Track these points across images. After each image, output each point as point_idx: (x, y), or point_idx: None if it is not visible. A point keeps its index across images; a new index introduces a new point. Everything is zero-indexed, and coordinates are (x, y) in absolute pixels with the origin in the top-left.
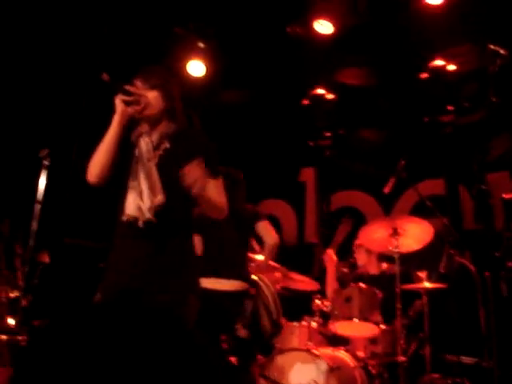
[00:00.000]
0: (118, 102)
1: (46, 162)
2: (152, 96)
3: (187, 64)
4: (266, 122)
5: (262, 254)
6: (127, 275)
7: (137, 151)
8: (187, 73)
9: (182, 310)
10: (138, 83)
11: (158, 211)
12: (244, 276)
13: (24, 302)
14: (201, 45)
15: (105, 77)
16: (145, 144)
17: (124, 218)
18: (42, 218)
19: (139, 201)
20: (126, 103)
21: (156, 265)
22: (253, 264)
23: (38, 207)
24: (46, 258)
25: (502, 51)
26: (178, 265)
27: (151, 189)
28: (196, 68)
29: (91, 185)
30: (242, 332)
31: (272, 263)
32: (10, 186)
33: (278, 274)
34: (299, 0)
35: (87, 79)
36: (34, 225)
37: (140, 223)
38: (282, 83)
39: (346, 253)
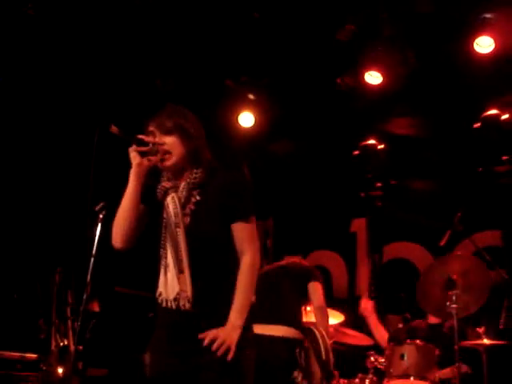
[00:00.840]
0: (133, 154)
1: (101, 215)
2: (170, 142)
3: (238, 115)
4: (317, 173)
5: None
6: (173, 345)
7: (165, 213)
8: (238, 124)
9: (240, 365)
10: (153, 129)
11: (187, 302)
12: (297, 324)
13: (74, 352)
14: (251, 97)
15: (113, 129)
16: (172, 205)
17: (156, 295)
18: (95, 267)
19: (165, 276)
20: (142, 154)
21: (201, 329)
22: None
23: (92, 261)
24: (95, 307)
25: None
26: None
27: (178, 267)
28: (246, 119)
29: (117, 249)
30: (301, 381)
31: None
32: (63, 235)
33: (330, 329)
34: (349, 52)
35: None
36: (88, 278)
37: (168, 304)
38: (333, 134)
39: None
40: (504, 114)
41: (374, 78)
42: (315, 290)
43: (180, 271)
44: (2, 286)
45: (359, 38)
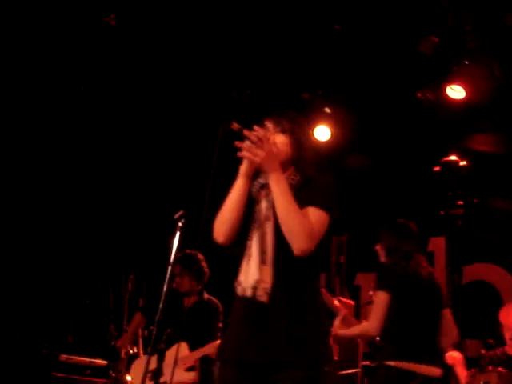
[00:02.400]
0: (245, 151)
1: (180, 224)
2: (280, 141)
3: (314, 129)
4: (395, 189)
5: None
6: (247, 347)
7: (257, 207)
8: (314, 137)
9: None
10: (269, 125)
11: (265, 294)
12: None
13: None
14: (327, 110)
15: (235, 126)
16: (265, 201)
17: (236, 284)
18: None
19: (247, 266)
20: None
21: (279, 337)
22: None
23: (169, 269)
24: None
25: None
26: (306, 334)
27: (261, 259)
28: (322, 133)
29: (219, 244)
30: None
31: None
32: (137, 242)
33: None
34: (431, 64)
35: (218, 139)
36: (165, 287)
37: (246, 292)
38: (412, 149)
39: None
40: None
41: (456, 92)
42: (450, 320)
43: (262, 262)
44: (75, 291)
45: (442, 50)
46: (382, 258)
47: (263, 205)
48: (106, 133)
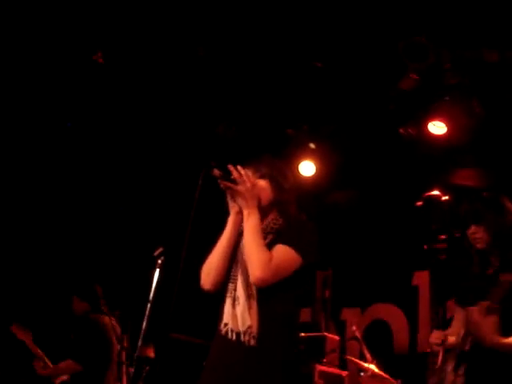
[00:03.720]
0: (232, 203)
1: (159, 261)
2: (261, 185)
3: (298, 164)
4: (379, 224)
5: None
6: (220, 381)
7: (238, 250)
8: (298, 173)
9: None
10: (249, 172)
11: (252, 338)
12: None
13: None
14: (312, 145)
15: (216, 172)
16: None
17: (221, 326)
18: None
19: (233, 309)
20: (227, 182)
21: (252, 374)
22: (363, 374)
23: (148, 306)
24: (150, 353)
25: None
26: (278, 375)
27: (247, 301)
28: (306, 168)
29: (205, 292)
30: None
31: (382, 374)
32: (122, 280)
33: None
34: (412, 101)
35: (200, 177)
36: (144, 325)
37: (233, 335)
38: (395, 184)
39: None
40: None
41: (437, 128)
42: None
43: (250, 307)
44: (60, 326)
45: (423, 87)
46: None
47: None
48: (90, 170)
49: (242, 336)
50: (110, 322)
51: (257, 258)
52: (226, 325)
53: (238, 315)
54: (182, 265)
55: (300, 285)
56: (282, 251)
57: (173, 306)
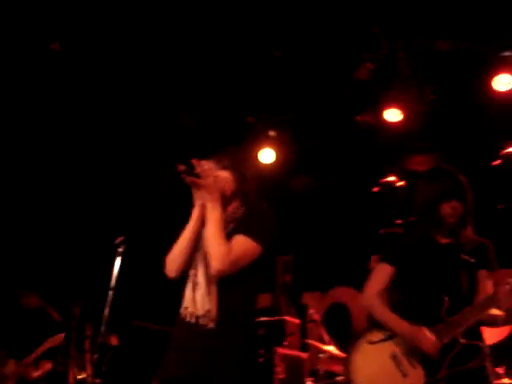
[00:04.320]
0: (197, 195)
1: (120, 250)
2: (223, 176)
3: (258, 152)
4: (337, 210)
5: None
6: (181, 365)
7: (200, 240)
8: (258, 160)
9: None
10: (211, 164)
11: (212, 321)
12: None
13: None
14: (272, 133)
15: (180, 168)
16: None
17: (181, 310)
18: (114, 301)
19: (193, 293)
20: (191, 177)
21: (210, 356)
22: (321, 355)
23: (110, 294)
24: (114, 341)
25: None
26: (235, 357)
27: (207, 286)
28: (267, 156)
29: (169, 278)
30: None
31: (341, 355)
32: (84, 269)
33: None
34: (368, 90)
35: (167, 173)
36: (106, 311)
37: (193, 319)
38: (353, 171)
39: None
40: None
41: (393, 115)
42: None
43: (209, 292)
44: (22, 318)
45: (378, 76)
46: None
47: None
48: (51, 161)
49: (201, 319)
50: None
51: (217, 251)
52: (186, 308)
53: (197, 299)
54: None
55: (259, 272)
56: (242, 242)
57: (136, 294)
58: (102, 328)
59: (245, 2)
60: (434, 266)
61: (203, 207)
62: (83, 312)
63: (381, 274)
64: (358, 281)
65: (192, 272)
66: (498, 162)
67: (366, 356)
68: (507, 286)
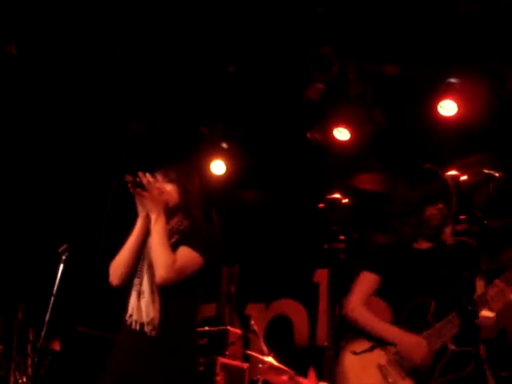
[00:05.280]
0: (141, 207)
1: (63, 257)
2: (169, 189)
3: (210, 163)
4: (283, 223)
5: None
6: (123, 372)
7: (145, 248)
8: (209, 171)
9: None
10: (159, 176)
11: (154, 329)
12: None
13: None
14: (224, 145)
15: (128, 178)
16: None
17: (126, 317)
18: (57, 306)
19: (138, 301)
20: (137, 189)
21: (152, 363)
22: (261, 365)
23: (52, 299)
24: (56, 346)
25: (496, 174)
26: (176, 364)
27: (151, 295)
28: (218, 167)
29: (113, 287)
30: None
31: (280, 366)
32: (28, 272)
33: (284, 377)
34: (319, 108)
35: (114, 182)
36: (47, 316)
37: (137, 326)
38: (300, 185)
39: None
40: (463, 175)
41: (342, 134)
42: None
43: (153, 301)
44: None
45: (328, 95)
46: None
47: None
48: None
49: (145, 327)
50: None
51: (163, 260)
52: (130, 316)
53: (142, 307)
54: (98, 263)
55: (201, 283)
56: (186, 253)
57: (80, 300)
58: (42, 332)
59: (203, 15)
60: (418, 270)
61: (147, 218)
62: (26, 316)
63: (365, 282)
64: (302, 294)
65: (137, 280)
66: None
67: (351, 368)
68: (495, 288)
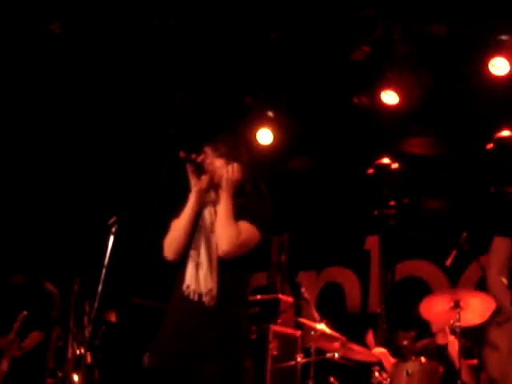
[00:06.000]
0: (194, 181)
1: (113, 229)
2: (219, 164)
3: (256, 132)
4: (333, 190)
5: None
6: (181, 341)
7: (201, 221)
8: (256, 141)
9: (239, 374)
10: (208, 151)
11: (213, 299)
12: None
13: (89, 360)
14: (270, 114)
15: (181, 154)
16: (209, 215)
17: (183, 287)
18: (111, 279)
19: (196, 273)
20: (196, 171)
21: (209, 331)
22: (313, 333)
23: (103, 271)
24: (113, 318)
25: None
26: (232, 333)
27: (209, 266)
28: (264, 136)
29: (168, 261)
30: None
31: (332, 333)
32: (83, 245)
33: (336, 344)
34: (365, 71)
35: (167, 161)
36: (100, 288)
37: (195, 296)
38: (349, 152)
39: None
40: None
41: (390, 97)
42: None
43: (211, 271)
44: (21, 292)
45: (374, 58)
46: None
47: (207, 219)
48: (49, 142)
49: (203, 296)
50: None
51: (228, 234)
52: (188, 286)
53: (200, 278)
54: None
55: (255, 255)
56: (247, 228)
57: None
58: (96, 304)
59: None
60: None
61: (200, 193)
62: (82, 289)
63: (501, 249)
64: (352, 261)
65: (193, 252)
66: (491, 145)
67: (495, 338)
68: None
